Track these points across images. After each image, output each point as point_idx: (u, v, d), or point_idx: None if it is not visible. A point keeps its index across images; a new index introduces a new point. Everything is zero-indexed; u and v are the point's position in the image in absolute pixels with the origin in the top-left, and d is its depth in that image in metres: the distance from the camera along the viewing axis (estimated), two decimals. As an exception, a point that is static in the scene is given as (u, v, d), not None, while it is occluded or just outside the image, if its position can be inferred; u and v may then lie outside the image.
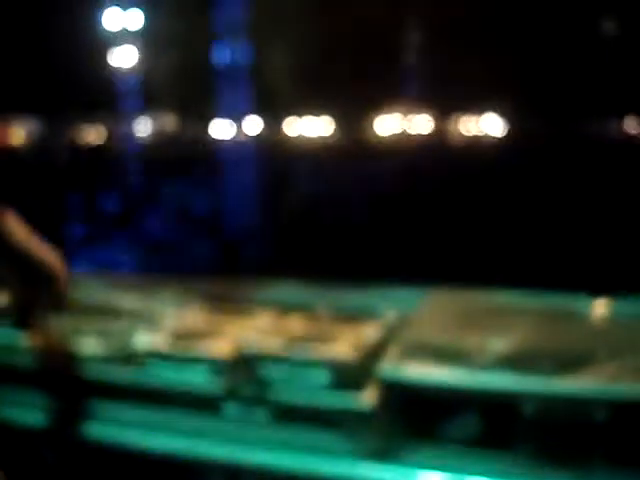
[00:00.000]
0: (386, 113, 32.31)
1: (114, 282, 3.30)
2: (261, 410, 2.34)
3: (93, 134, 33.22)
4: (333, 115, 31.39)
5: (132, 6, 22.86)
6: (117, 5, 22.79)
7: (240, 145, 16.22)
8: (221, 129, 26.51)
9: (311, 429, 2.32)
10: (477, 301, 2.85)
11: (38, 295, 2.41)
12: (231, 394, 2.37)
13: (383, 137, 32.37)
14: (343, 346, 2.41)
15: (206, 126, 29.01)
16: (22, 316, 2.54)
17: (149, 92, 26.63)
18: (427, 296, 2.89)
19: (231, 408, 2.37)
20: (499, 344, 2.30)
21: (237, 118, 16.24)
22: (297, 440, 2.33)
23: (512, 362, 2.19)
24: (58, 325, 2.72)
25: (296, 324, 2.63)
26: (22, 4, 21.55)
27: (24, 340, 2.65)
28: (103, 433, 2.53)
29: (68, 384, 2.53)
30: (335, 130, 31.80)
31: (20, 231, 2.14)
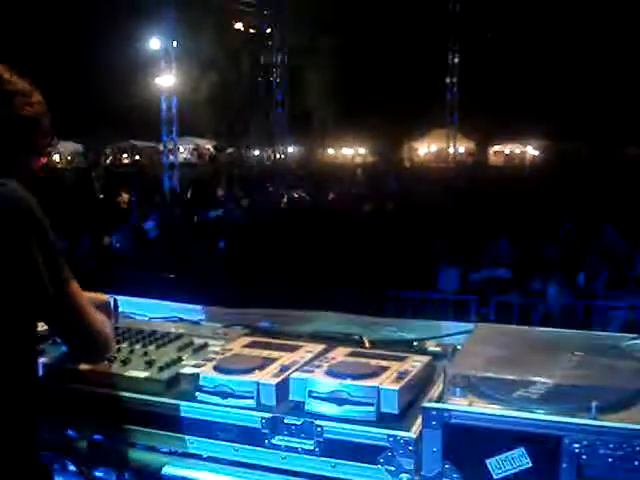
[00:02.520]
0: (426, 140, 32.47)
1: (161, 309, 3.33)
2: (306, 443, 2.35)
3: (132, 156, 33.56)
4: (369, 143, 31.61)
5: (175, 31, 23.18)
6: (160, 31, 23.14)
7: (277, 167, 16.43)
8: (257, 152, 26.73)
9: (355, 462, 2.32)
10: (524, 337, 2.85)
11: None
12: (276, 426, 2.38)
13: (423, 160, 32.48)
14: (388, 379, 2.41)
15: (245, 149, 29.28)
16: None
17: (189, 115, 26.87)
18: (473, 329, 2.89)
19: (276, 441, 2.38)
20: (545, 380, 2.29)
21: (275, 144, 16.46)
22: (341, 473, 2.33)
23: (558, 399, 2.18)
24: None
25: (342, 356, 2.63)
26: (64, 31, 21.97)
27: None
28: (148, 463, 2.55)
29: (116, 414, 2.56)
30: (371, 154, 31.95)
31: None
